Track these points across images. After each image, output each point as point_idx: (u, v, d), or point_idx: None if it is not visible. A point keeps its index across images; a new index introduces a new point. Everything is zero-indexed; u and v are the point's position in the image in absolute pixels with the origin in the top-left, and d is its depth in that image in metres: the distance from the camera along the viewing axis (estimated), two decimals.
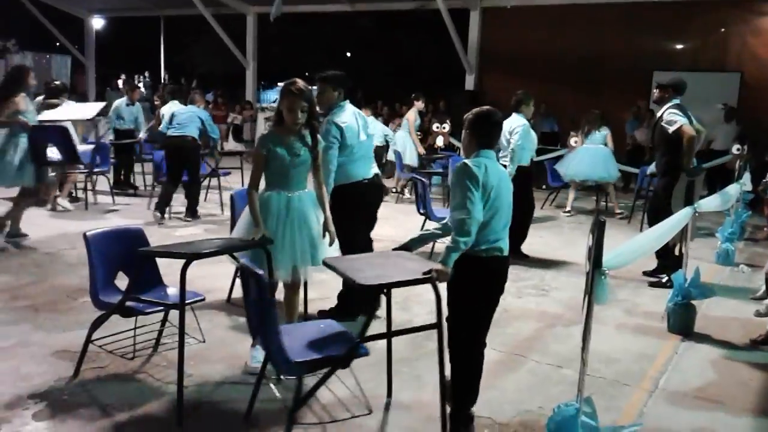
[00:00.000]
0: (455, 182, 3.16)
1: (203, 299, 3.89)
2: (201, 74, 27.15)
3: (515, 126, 6.79)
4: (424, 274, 2.99)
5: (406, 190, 10.92)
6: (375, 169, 4.83)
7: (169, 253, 3.65)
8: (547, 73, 14.09)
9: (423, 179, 7.35)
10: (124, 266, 3.86)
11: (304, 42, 28.29)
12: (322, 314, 4.73)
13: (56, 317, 4.63)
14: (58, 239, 6.91)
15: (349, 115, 4.61)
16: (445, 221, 3.49)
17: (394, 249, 3.49)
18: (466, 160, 3.21)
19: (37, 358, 3.94)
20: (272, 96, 24.87)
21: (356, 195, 4.65)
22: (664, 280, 5.94)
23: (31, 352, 4.01)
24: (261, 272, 2.87)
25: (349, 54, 32.28)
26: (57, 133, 6.72)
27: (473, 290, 3.19)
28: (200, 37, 25.83)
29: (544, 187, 10.92)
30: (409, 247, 3.48)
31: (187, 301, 3.42)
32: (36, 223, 7.70)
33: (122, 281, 3.83)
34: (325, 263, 3.38)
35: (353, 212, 4.60)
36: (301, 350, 2.98)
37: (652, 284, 6.11)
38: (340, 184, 4.58)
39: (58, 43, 20.44)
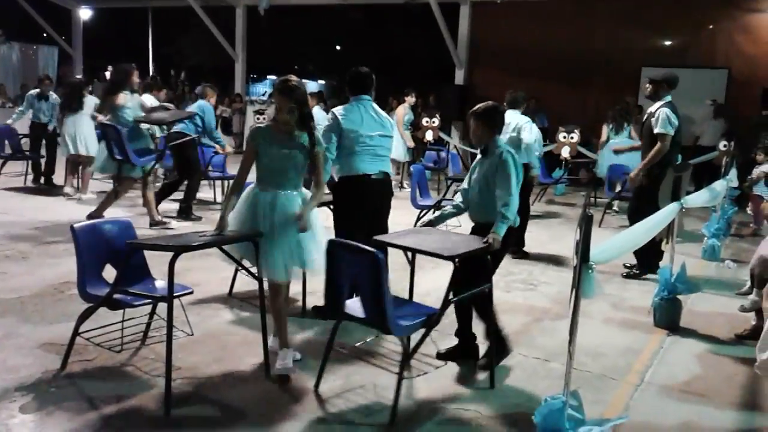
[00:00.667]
0: (501, 169, 3.83)
1: (191, 292, 3.84)
2: (190, 67, 26.96)
3: (522, 122, 6.72)
4: (484, 242, 3.67)
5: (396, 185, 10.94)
6: (384, 168, 4.75)
7: (157, 245, 3.59)
8: (536, 68, 14.10)
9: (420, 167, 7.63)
10: (112, 259, 3.81)
11: (294, 35, 28.17)
12: (318, 310, 4.75)
13: (43, 309, 4.60)
14: (46, 231, 6.86)
15: (352, 108, 4.67)
16: (456, 203, 4.19)
17: (422, 225, 4.22)
18: (507, 149, 3.93)
19: (23, 350, 3.91)
20: (261, 89, 24.80)
21: (357, 189, 4.64)
22: (635, 271, 6.24)
23: (18, 344, 3.99)
24: (372, 248, 3.23)
25: (339, 47, 32.21)
26: (113, 132, 6.82)
27: (504, 251, 3.96)
28: (189, 29, 25.65)
29: None
30: (432, 223, 4.14)
31: (175, 294, 3.39)
32: (25, 215, 7.65)
33: (108, 273, 3.79)
34: (378, 242, 3.72)
35: (352, 206, 4.65)
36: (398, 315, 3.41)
37: (625, 275, 6.27)
38: (342, 176, 4.67)
39: (45, 34, 20.22)
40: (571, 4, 13.98)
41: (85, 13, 20.28)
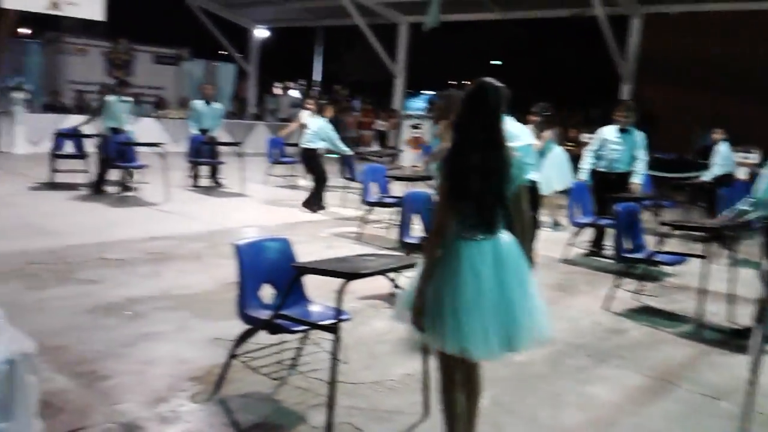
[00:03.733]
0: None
1: (349, 318, 3.59)
2: (352, 82, 28.06)
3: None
4: None
5: None
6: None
7: (326, 271, 3.29)
8: (713, 83, 13.15)
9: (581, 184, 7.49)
10: (271, 278, 3.69)
11: (453, 50, 28.39)
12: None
13: (213, 306, 4.94)
14: (217, 233, 7.41)
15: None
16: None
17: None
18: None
19: (195, 343, 4.23)
20: (418, 104, 25.14)
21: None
22: None
23: (190, 338, 4.32)
24: None
25: (498, 62, 31.97)
26: None
27: None
28: (353, 46, 26.70)
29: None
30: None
31: (334, 320, 3.22)
32: (199, 217, 8.31)
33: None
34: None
35: None
36: None
37: None
38: None
39: (224, 52, 22.02)
40: (755, 15, 12.88)
41: (261, 33, 21.86)
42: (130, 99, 10.34)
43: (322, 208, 9.24)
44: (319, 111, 9.65)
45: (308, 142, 9.22)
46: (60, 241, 6.54)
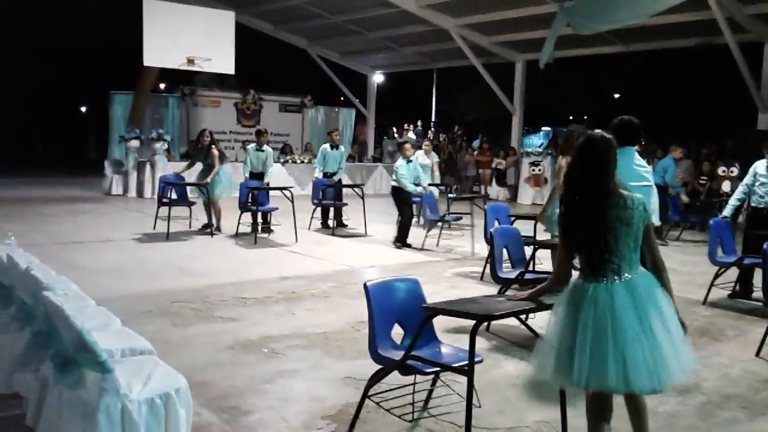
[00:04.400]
0: None
1: (482, 360, 3.50)
2: (468, 122, 28.15)
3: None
4: None
5: None
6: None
7: (457, 312, 3.34)
8: None
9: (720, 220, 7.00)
10: (401, 318, 3.73)
11: (571, 85, 27.90)
12: None
13: (343, 345, 5.04)
14: (343, 273, 7.58)
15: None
16: None
17: None
18: None
19: (328, 381, 4.31)
20: (536, 141, 24.76)
21: None
22: None
23: (323, 376, 4.41)
24: None
25: (617, 95, 31.05)
26: None
27: None
28: (468, 86, 26.87)
29: None
30: None
31: (467, 362, 3.14)
32: (325, 258, 8.54)
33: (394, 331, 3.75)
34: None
35: None
36: None
37: None
38: None
39: (342, 98, 22.89)
40: None
41: (378, 78, 22.57)
42: (268, 149, 10.87)
43: (405, 245, 9.41)
44: (398, 150, 9.82)
45: (392, 181, 9.63)
46: (200, 281, 6.94)
